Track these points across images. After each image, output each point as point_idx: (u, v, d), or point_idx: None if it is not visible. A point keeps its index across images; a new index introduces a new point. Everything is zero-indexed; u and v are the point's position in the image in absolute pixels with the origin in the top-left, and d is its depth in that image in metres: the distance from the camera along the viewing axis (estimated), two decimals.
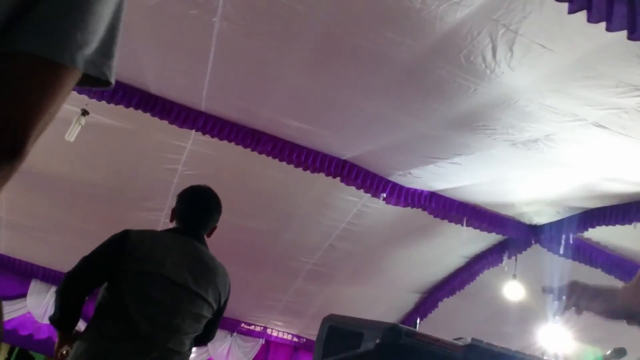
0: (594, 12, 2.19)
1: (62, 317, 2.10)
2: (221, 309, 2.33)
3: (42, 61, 0.63)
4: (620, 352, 2.12)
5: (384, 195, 4.76)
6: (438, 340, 1.41)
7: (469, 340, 1.47)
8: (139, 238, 2.16)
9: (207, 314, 2.22)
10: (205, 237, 2.37)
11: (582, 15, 2.33)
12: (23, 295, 6.45)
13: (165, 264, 2.12)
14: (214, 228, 2.43)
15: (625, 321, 1.13)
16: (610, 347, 2.56)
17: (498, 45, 2.93)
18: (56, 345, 2.18)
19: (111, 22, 0.70)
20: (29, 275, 6.52)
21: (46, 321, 6.03)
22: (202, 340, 2.34)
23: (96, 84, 0.72)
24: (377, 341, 1.37)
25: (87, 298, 2.12)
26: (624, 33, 2.30)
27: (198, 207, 2.38)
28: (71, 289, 2.08)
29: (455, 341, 1.46)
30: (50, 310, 2.68)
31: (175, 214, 2.38)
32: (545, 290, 1.34)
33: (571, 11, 2.26)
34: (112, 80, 0.72)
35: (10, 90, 0.62)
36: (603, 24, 2.30)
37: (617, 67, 2.89)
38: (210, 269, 2.26)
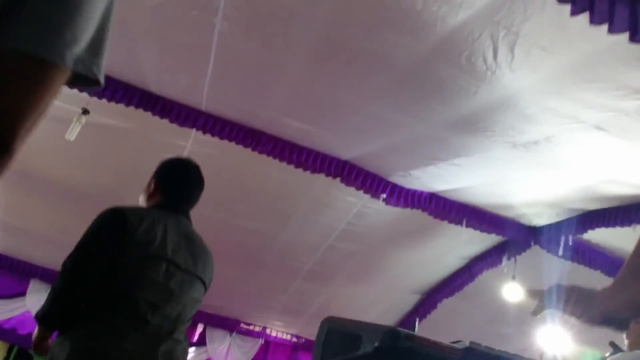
0: (596, 13, 2.19)
1: (54, 316, 1.83)
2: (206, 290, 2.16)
3: (31, 59, 0.63)
4: (615, 347, 2.12)
5: (384, 196, 4.76)
6: (436, 343, 1.41)
7: (467, 343, 1.47)
8: (136, 218, 1.93)
9: (202, 297, 2.07)
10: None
11: (582, 18, 2.33)
12: (22, 294, 6.45)
13: (167, 246, 1.93)
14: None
15: (603, 326, 1.12)
16: (607, 349, 2.56)
17: (499, 47, 2.93)
18: (36, 338, 1.90)
19: (101, 21, 0.70)
20: (28, 275, 6.52)
21: None
22: None
23: (86, 84, 0.71)
24: (376, 344, 1.37)
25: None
26: (625, 36, 2.30)
27: (189, 181, 2.15)
28: (74, 287, 1.79)
29: (453, 344, 1.46)
30: None
31: (160, 187, 2.11)
32: (529, 294, 1.32)
33: (574, 13, 2.26)
34: (101, 79, 0.72)
35: None
36: (604, 28, 2.30)
37: (617, 70, 2.89)
38: (203, 248, 2.09)
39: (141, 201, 2.20)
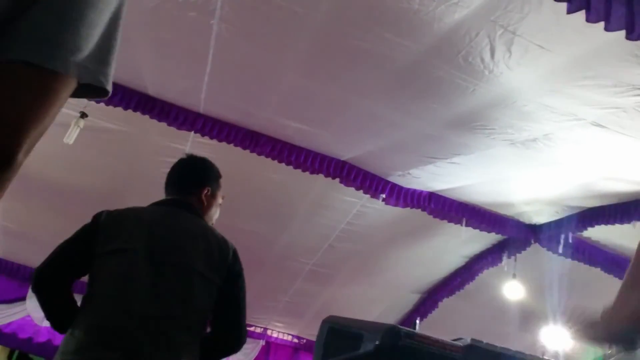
0: (593, 12, 2.20)
1: (51, 317, 1.80)
2: (231, 287, 1.85)
3: (34, 69, 0.62)
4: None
5: (384, 195, 4.76)
6: (437, 341, 1.41)
7: (468, 340, 1.47)
8: (110, 216, 1.85)
9: (206, 290, 1.77)
10: (199, 203, 2.00)
11: (580, 15, 2.33)
12: (22, 298, 6.44)
13: (135, 237, 1.77)
14: (207, 191, 2.04)
15: (612, 345, 1.10)
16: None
17: (496, 45, 2.93)
18: None
19: (107, 29, 0.69)
20: (28, 279, 6.51)
21: (46, 324, 6.03)
22: (223, 337, 1.82)
23: (94, 94, 0.70)
24: (377, 343, 1.37)
25: (68, 292, 1.81)
26: (622, 33, 2.31)
27: (175, 172, 2.08)
28: (42, 283, 1.78)
29: (455, 342, 1.46)
30: None
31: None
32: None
33: (570, 11, 2.27)
34: (109, 88, 0.71)
35: (1, 99, 0.61)
36: (601, 24, 2.30)
37: (615, 66, 2.89)
38: (197, 236, 1.86)
39: None
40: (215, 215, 2.11)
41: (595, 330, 1.10)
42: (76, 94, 0.69)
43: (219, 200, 2.12)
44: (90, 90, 0.69)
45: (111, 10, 0.69)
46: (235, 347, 1.87)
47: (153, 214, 1.90)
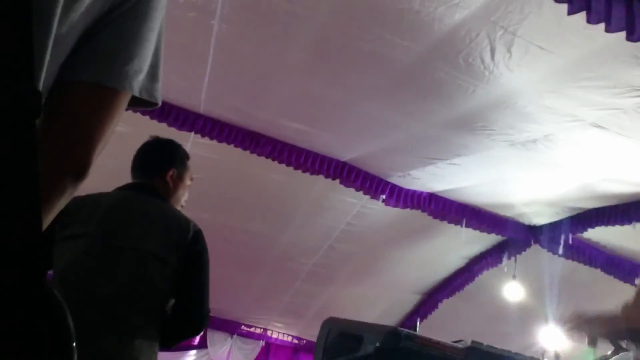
0: (593, 13, 2.20)
1: None
2: (189, 268, 1.78)
3: (103, 89, 0.68)
4: (618, 345, 2.12)
5: (384, 196, 4.77)
6: (438, 343, 1.41)
7: (469, 342, 1.47)
8: (70, 203, 1.85)
9: (162, 272, 1.73)
10: (164, 185, 1.95)
11: (580, 16, 2.34)
12: None
13: (90, 222, 1.75)
14: (172, 173, 1.98)
15: (629, 341, 1.12)
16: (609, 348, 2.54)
17: (496, 46, 2.93)
18: None
19: (156, 47, 0.75)
20: None
21: None
22: (181, 319, 1.77)
23: (142, 105, 0.76)
24: (377, 345, 1.37)
25: None
26: (622, 34, 2.31)
27: (140, 155, 2.04)
28: None
29: (455, 344, 1.46)
30: None
31: None
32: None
33: (571, 12, 2.27)
34: (160, 102, 0.77)
35: (74, 116, 0.68)
36: (601, 26, 2.31)
37: (615, 68, 2.89)
38: (154, 218, 1.81)
39: None
40: (183, 197, 2.06)
41: (614, 326, 1.11)
42: (128, 106, 0.76)
43: (187, 182, 2.07)
44: (140, 101, 0.75)
45: (158, 28, 0.75)
46: (194, 330, 1.82)
47: (112, 199, 1.88)
